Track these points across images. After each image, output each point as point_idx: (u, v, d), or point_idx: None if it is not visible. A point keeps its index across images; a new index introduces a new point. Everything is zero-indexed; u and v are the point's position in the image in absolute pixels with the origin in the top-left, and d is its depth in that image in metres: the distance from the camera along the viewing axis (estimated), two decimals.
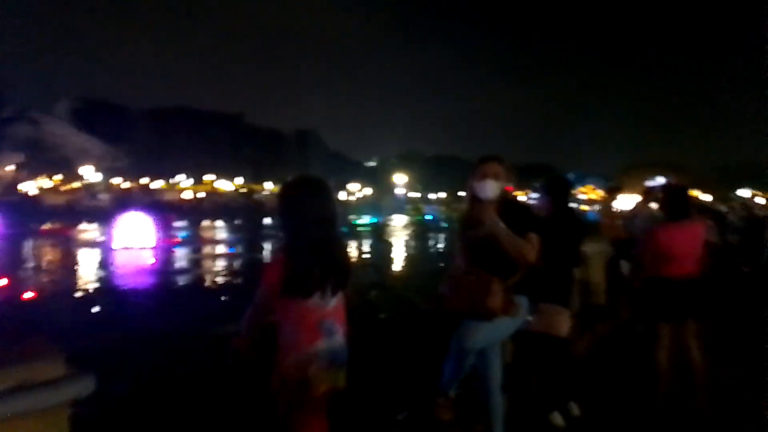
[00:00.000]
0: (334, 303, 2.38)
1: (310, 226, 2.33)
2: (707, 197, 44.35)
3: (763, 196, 57.01)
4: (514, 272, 2.80)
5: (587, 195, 77.05)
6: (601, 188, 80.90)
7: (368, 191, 70.73)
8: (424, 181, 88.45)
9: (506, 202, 2.91)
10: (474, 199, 2.98)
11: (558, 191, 3.75)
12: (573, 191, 4.24)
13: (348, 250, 2.53)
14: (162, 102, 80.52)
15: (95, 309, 9.04)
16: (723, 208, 14.54)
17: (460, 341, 2.92)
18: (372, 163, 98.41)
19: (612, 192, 7.65)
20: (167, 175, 63.46)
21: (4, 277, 10.41)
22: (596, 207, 40.83)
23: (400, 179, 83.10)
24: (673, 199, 3.94)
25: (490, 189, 2.88)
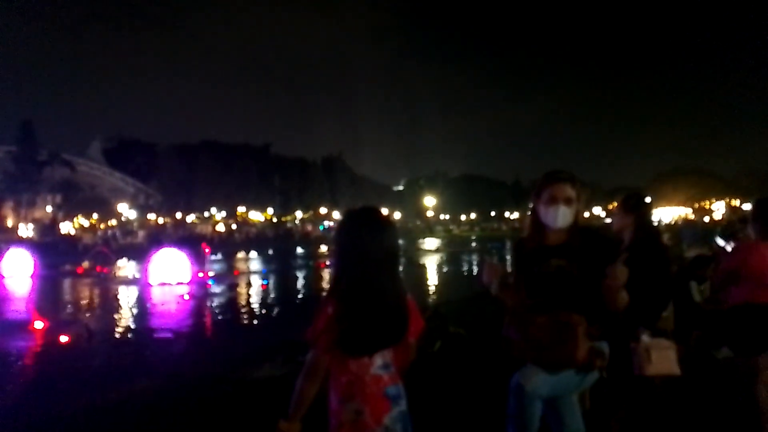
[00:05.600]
0: (390, 360, 1.98)
1: (372, 266, 1.94)
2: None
3: None
4: (592, 314, 2.33)
5: None
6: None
7: (397, 215, 70.43)
8: (452, 202, 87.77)
9: (583, 230, 2.49)
10: (538, 225, 2.54)
11: (640, 210, 3.41)
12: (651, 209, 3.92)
13: (407, 295, 2.09)
14: (189, 137, 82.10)
15: (129, 352, 8.88)
16: None
17: (519, 380, 2.47)
18: (400, 187, 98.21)
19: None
20: (199, 208, 64.33)
21: (42, 320, 10.31)
22: None
23: (429, 202, 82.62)
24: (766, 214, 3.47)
25: (561, 217, 2.44)
